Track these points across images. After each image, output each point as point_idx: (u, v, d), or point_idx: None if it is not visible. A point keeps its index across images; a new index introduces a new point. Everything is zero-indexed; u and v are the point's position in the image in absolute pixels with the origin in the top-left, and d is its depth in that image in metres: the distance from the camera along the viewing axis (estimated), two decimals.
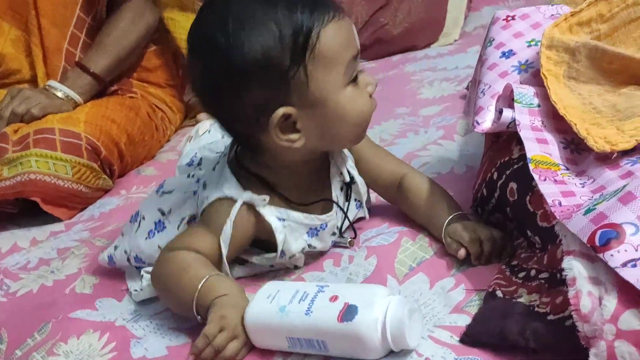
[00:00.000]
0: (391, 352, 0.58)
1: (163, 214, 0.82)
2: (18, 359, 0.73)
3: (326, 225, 0.77)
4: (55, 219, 1.15)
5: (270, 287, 0.65)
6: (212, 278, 0.67)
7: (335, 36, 0.65)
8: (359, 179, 0.80)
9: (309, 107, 0.66)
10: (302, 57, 0.64)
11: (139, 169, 1.36)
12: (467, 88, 1.30)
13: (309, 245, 0.76)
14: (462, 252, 0.69)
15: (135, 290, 0.80)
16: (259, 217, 0.72)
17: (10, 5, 1.32)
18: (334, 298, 0.59)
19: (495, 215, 0.73)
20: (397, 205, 0.84)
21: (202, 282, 0.66)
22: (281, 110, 0.65)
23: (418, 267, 0.72)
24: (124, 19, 1.33)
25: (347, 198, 0.80)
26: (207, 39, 0.65)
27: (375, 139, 1.17)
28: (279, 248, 0.73)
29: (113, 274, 0.88)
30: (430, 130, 1.16)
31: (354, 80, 0.68)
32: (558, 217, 0.56)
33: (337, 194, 0.78)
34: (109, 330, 0.74)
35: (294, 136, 0.68)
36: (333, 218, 0.77)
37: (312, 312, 0.59)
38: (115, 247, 0.84)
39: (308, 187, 0.76)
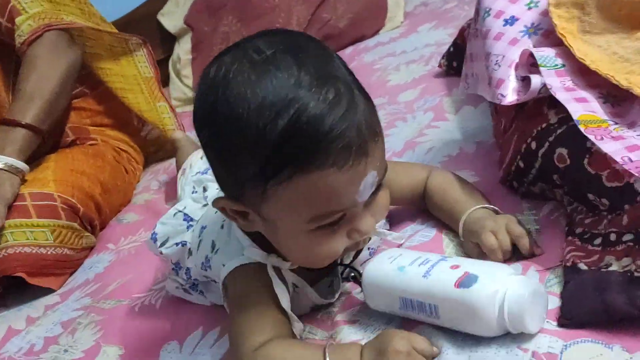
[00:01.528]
0: (505, 335, 0.54)
1: (173, 262, 0.79)
2: None
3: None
4: (45, 291, 1.05)
5: (392, 251, 0.65)
6: (331, 351, 0.56)
7: (316, 188, 0.52)
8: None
9: (260, 216, 0.58)
10: (267, 179, 0.53)
11: (118, 217, 1.27)
12: (439, 66, 1.28)
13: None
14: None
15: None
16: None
17: None
18: (455, 266, 0.57)
19: (538, 184, 0.70)
20: (429, 210, 0.76)
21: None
22: (226, 202, 0.59)
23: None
24: (41, 59, 1.17)
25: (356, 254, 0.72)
26: (202, 83, 0.57)
27: None
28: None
29: (136, 336, 0.81)
30: (418, 115, 1.13)
31: (332, 225, 0.56)
32: (636, 174, 0.53)
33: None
34: None
35: (243, 222, 0.61)
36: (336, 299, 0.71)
37: (430, 275, 0.57)
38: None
39: None
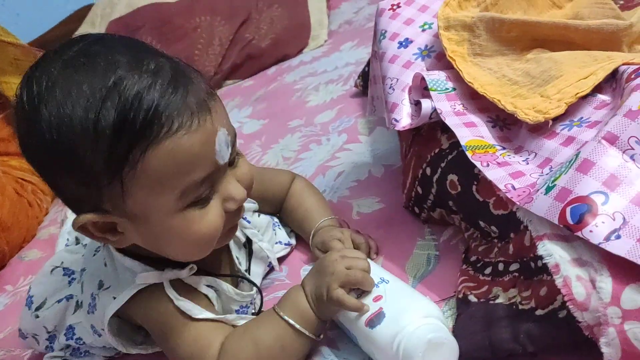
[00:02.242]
0: None
1: (48, 331, 0.72)
2: None
3: (252, 303, 0.69)
4: None
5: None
6: (282, 310, 0.61)
7: (173, 156, 0.50)
8: (253, 231, 0.73)
9: (127, 217, 0.54)
10: (119, 169, 0.50)
11: (21, 254, 1.18)
12: (355, 86, 1.27)
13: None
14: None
15: None
16: (190, 290, 0.62)
17: None
18: (377, 298, 0.58)
19: (437, 210, 0.68)
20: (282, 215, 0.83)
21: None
22: (87, 217, 0.54)
23: None
24: None
25: (250, 256, 0.73)
26: (19, 102, 0.52)
27: (277, 158, 1.11)
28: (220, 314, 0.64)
29: None
30: (333, 137, 1.10)
31: (203, 201, 0.55)
32: (518, 203, 0.51)
33: (237, 255, 0.71)
34: None
35: (113, 237, 0.57)
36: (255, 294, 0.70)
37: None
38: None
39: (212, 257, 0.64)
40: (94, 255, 0.66)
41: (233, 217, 0.59)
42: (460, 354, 0.52)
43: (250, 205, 0.74)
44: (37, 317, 0.71)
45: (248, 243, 0.73)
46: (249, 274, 0.71)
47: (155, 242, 0.57)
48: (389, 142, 0.98)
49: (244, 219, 0.73)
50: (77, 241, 0.77)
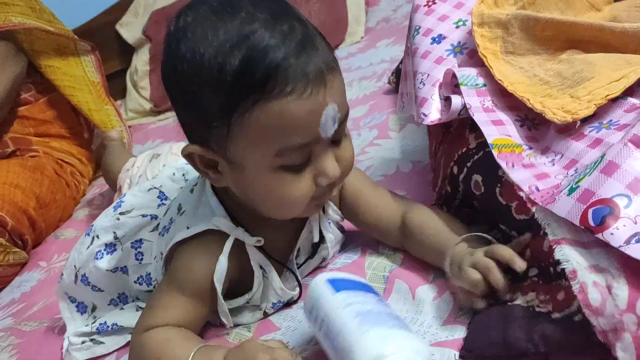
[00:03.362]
0: None
1: (116, 237, 0.75)
2: None
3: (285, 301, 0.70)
4: None
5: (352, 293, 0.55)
6: (199, 352, 0.58)
7: (279, 117, 0.52)
8: (331, 236, 0.72)
9: (227, 161, 0.57)
10: (229, 115, 0.53)
11: (56, 232, 1.23)
12: (388, 82, 1.27)
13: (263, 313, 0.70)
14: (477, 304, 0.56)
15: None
16: (242, 258, 0.64)
17: None
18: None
19: (464, 210, 0.68)
20: (406, 249, 0.70)
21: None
22: (195, 148, 0.58)
23: (391, 274, 0.67)
24: None
25: (312, 255, 0.73)
26: (166, 38, 0.56)
27: None
28: (250, 296, 0.66)
29: (52, 357, 0.76)
30: (363, 132, 1.11)
31: (298, 168, 0.56)
32: (540, 203, 0.51)
33: (301, 246, 0.71)
34: None
35: (213, 175, 0.60)
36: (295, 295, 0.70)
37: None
38: (67, 260, 0.78)
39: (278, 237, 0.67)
40: (191, 191, 0.69)
41: (323, 193, 0.60)
42: (473, 348, 0.52)
43: (335, 216, 0.73)
44: (118, 219, 0.75)
45: (316, 246, 0.72)
46: (299, 269, 0.71)
47: (245, 190, 0.60)
48: (418, 139, 0.98)
49: (329, 223, 0.72)
50: (184, 175, 0.80)
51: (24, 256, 1.11)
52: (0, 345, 0.86)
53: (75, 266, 0.76)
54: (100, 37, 1.88)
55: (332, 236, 0.73)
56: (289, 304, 0.70)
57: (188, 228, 0.64)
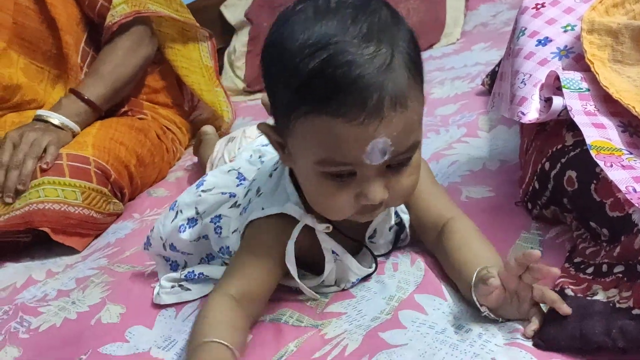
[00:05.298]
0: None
1: (197, 212, 0.81)
2: None
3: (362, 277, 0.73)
4: (70, 251, 1.10)
5: None
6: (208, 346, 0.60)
7: (325, 132, 0.53)
8: (407, 217, 0.74)
9: (288, 149, 0.61)
10: (291, 110, 0.55)
11: (149, 190, 1.32)
12: (482, 84, 1.27)
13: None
14: (493, 281, 0.55)
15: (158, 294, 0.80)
16: (314, 241, 0.68)
17: (17, 33, 1.27)
18: None
19: (551, 208, 0.69)
20: (434, 251, 0.72)
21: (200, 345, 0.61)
22: (269, 124, 0.62)
23: None
24: (122, 48, 1.29)
25: (395, 243, 0.76)
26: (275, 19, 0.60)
27: None
28: (323, 277, 0.70)
29: (140, 300, 0.84)
30: (452, 129, 1.12)
31: (343, 179, 0.57)
32: (636, 204, 0.52)
33: (377, 228, 0.74)
34: None
35: (282, 152, 0.63)
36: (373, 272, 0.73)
37: None
38: (152, 230, 0.84)
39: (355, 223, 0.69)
40: (270, 175, 0.74)
41: (368, 209, 0.61)
42: (549, 340, 0.53)
43: (405, 216, 0.74)
44: (200, 196, 0.81)
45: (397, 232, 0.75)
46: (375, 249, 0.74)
47: (300, 181, 0.64)
48: (508, 140, 0.99)
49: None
50: (260, 157, 0.86)
51: (121, 207, 1.20)
52: (94, 281, 0.94)
53: (161, 238, 0.83)
54: (205, 16, 1.97)
55: (408, 216, 0.75)
56: (365, 278, 0.73)
57: (263, 209, 0.69)
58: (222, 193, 0.80)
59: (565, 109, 0.65)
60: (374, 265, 0.72)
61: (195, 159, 1.39)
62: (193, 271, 0.80)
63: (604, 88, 0.64)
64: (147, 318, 0.78)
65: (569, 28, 0.75)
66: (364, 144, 0.54)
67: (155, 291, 0.81)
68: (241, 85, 1.95)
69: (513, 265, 0.54)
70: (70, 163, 1.10)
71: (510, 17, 1.74)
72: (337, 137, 0.53)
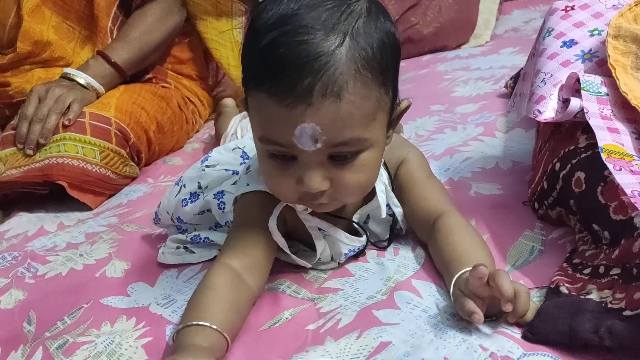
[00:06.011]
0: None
1: (200, 187, 0.83)
2: (47, 339, 0.70)
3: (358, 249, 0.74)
4: (82, 207, 1.12)
5: None
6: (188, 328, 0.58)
7: (260, 108, 0.57)
8: (400, 210, 0.74)
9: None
10: (245, 85, 0.59)
11: (165, 158, 1.34)
12: (505, 87, 1.27)
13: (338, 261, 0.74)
14: (469, 306, 0.55)
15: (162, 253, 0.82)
16: (297, 223, 0.70)
17: None
18: None
19: (556, 209, 0.70)
20: (428, 245, 0.71)
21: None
22: (244, 107, 0.64)
23: None
24: (152, 15, 1.31)
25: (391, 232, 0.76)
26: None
27: (410, 134, 1.15)
28: (317, 256, 0.71)
29: (145, 259, 0.86)
30: (469, 127, 1.13)
31: (286, 162, 0.59)
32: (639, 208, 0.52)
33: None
34: (144, 317, 0.71)
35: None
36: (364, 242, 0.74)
37: None
38: (159, 206, 0.87)
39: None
40: None
41: (308, 197, 0.61)
42: (538, 333, 0.54)
43: (397, 209, 0.74)
44: (204, 170, 0.83)
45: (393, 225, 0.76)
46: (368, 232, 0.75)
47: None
48: (523, 143, 0.99)
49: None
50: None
51: (136, 171, 1.22)
52: (103, 237, 0.96)
53: (167, 212, 0.85)
54: None
55: (401, 209, 0.75)
56: (359, 255, 0.74)
57: (248, 185, 0.71)
58: (225, 170, 0.82)
59: (581, 111, 0.65)
60: (364, 236, 0.73)
61: (214, 132, 1.41)
62: (199, 235, 0.82)
63: (623, 94, 0.65)
64: (149, 276, 0.80)
65: (596, 32, 0.75)
66: (292, 126, 0.54)
67: (160, 250, 0.83)
68: None
69: (474, 280, 0.54)
70: (92, 122, 1.13)
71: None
72: (270, 116, 0.55)
